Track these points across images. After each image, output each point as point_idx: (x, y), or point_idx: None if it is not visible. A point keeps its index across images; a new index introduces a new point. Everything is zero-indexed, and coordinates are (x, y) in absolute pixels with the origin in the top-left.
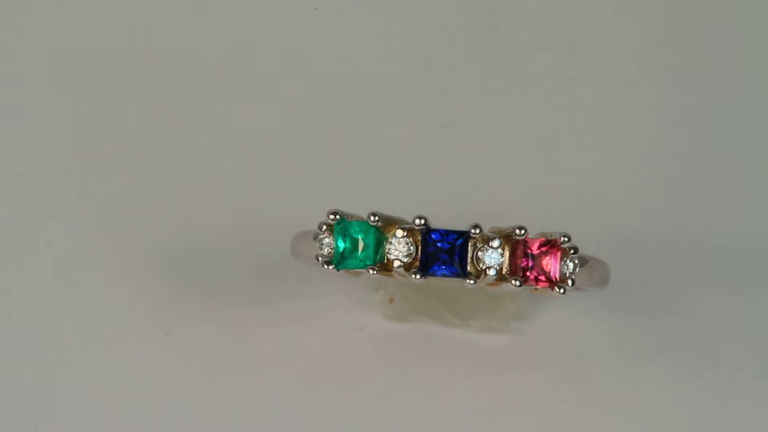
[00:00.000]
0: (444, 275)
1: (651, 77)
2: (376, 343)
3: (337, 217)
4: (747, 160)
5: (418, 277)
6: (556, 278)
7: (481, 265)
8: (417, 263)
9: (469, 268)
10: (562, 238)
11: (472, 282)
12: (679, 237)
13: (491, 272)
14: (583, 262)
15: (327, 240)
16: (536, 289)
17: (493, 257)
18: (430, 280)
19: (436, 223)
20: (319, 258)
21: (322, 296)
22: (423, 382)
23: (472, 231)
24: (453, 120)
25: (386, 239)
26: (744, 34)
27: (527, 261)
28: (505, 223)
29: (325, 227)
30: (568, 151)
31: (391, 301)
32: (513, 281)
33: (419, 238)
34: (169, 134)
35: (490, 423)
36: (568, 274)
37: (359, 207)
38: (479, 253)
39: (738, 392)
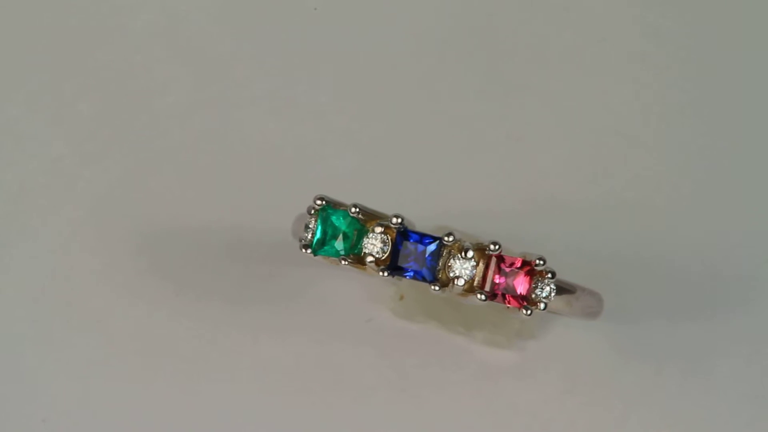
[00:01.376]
0: (413, 277)
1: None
2: (378, 336)
3: (323, 203)
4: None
5: (385, 274)
6: (524, 299)
7: (451, 274)
8: (389, 261)
9: (440, 275)
10: (537, 261)
11: (436, 289)
12: (689, 263)
13: (459, 282)
14: (572, 289)
15: (312, 224)
16: (508, 308)
17: (465, 267)
18: (405, 280)
19: (462, 227)
20: (301, 241)
21: (339, 283)
22: (415, 382)
23: (445, 238)
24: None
25: (366, 233)
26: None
27: (500, 277)
28: (518, 229)
29: (313, 212)
30: (592, 162)
31: (401, 298)
32: (479, 295)
33: (395, 236)
34: (173, 132)
35: None
36: (542, 298)
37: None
38: (451, 261)
39: (737, 409)
